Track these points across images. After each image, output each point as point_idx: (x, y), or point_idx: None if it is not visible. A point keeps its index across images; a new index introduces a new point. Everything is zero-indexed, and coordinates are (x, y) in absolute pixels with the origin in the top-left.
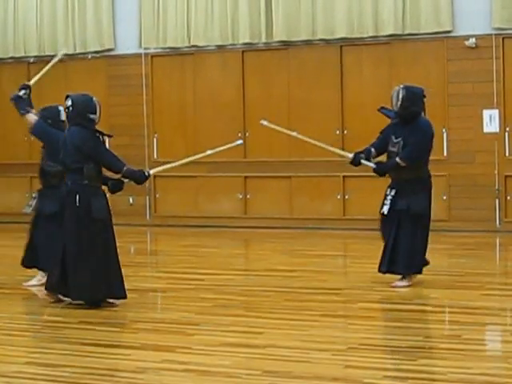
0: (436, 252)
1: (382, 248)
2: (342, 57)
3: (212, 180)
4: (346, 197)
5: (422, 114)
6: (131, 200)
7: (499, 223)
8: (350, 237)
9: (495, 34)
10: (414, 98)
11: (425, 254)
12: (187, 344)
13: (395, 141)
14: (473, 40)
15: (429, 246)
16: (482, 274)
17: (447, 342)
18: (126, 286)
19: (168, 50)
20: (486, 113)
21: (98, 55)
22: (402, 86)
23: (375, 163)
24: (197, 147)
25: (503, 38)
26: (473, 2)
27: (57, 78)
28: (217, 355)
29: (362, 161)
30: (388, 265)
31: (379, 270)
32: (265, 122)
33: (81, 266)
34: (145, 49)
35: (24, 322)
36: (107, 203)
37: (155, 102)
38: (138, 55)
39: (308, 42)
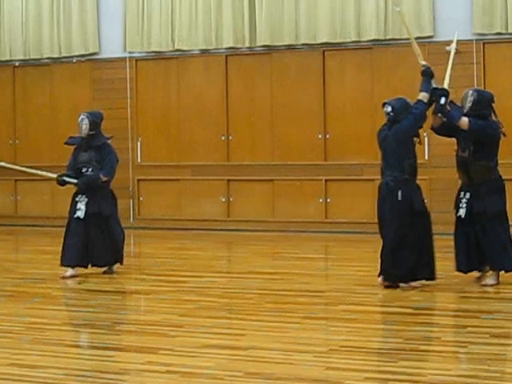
0: None
1: (455, 249)
2: (324, 61)
3: (195, 183)
4: (328, 200)
5: (492, 117)
6: None
7: None
8: (331, 240)
9: (476, 40)
10: (483, 102)
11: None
12: (170, 346)
13: (463, 146)
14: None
15: None
16: (462, 277)
17: (427, 344)
18: (109, 288)
19: (152, 54)
20: None
21: (82, 59)
22: (473, 88)
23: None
24: (180, 151)
25: (484, 44)
26: (454, 7)
27: (42, 81)
28: (199, 357)
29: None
30: (475, 264)
31: (460, 269)
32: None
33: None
34: (129, 53)
35: (7, 324)
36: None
37: (139, 105)
38: (123, 59)
39: (291, 47)
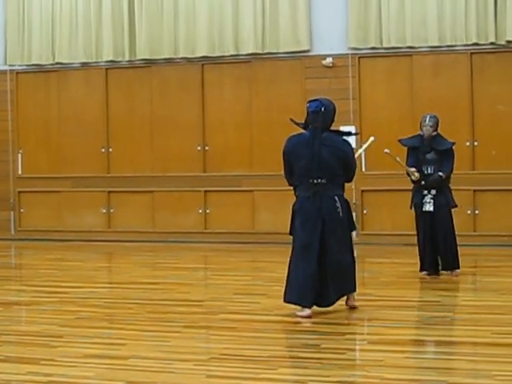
0: None
1: None
2: (203, 75)
3: (76, 195)
4: (208, 211)
5: None
6: None
7: None
8: (211, 250)
9: (351, 54)
10: None
11: None
12: (51, 356)
13: None
14: (330, 59)
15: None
16: None
17: (307, 351)
18: None
19: (33, 67)
20: (343, 129)
21: None
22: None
23: None
24: (61, 163)
25: (359, 58)
26: (330, 22)
27: None
28: (80, 367)
29: None
30: None
31: None
32: None
33: None
34: (10, 66)
35: None
36: None
37: (20, 118)
38: (3, 72)
39: (170, 61)
